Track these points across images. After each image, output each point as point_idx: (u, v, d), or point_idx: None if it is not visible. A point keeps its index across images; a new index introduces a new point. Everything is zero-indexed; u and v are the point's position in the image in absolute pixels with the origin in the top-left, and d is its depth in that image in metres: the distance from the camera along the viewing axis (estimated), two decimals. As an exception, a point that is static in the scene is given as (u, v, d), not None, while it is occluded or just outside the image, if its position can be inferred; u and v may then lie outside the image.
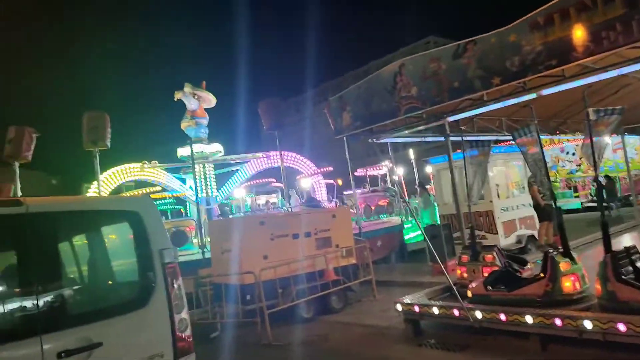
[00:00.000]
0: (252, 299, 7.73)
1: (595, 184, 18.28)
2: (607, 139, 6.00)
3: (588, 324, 4.97)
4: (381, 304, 8.76)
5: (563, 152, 24.90)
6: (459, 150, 8.61)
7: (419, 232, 14.01)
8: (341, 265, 8.93)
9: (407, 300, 6.97)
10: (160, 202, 20.85)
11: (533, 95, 6.07)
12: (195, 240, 14.28)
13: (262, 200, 21.33)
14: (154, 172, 16.98)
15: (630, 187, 16.68)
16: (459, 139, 7.36)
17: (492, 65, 5.35)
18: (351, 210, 12.02)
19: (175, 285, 3.35)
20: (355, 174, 15.87)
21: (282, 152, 13.94)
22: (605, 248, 5.40)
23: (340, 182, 22.61)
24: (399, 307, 6.94)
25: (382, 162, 20.07)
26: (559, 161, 24.71)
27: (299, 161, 18.47)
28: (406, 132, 7.85)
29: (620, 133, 13.22)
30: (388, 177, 20.07)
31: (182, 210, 22.61)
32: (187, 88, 16.55)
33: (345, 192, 21.05)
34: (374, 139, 7.70)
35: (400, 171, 20.31)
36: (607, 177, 18.66)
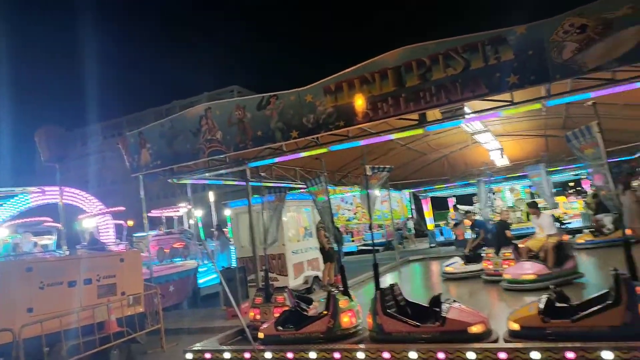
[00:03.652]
0: (8, 363, 6.34)
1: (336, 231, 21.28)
2: (377, 192, 7.12)
3: (361, 355, 5.59)
4: (169, 355, 8.24)
5: (343, 201, 28.33)
6: (256, 195, 8.97)
7: (214, 275, 13.84)
8: (126, 314, 8.11)
9: (197, 347, 6.72)
10: None
11: (324, 150, 6.85)
12: None
13: (27, 242, 17.94)
14: None
15: (393, 233, 19.89)
16: (259, 184, 7.70)
17: (291, 119, 5.88)
18: (143, 253, 11.14)
19: None
20: (150, 214, 14.91)
21: (63, 188, 12.24)
22: (376, 286, 6.25)
23: (131, 223, 20.83)
24: (189, 355, 6.62)
25: (179, 204, 19.36)
26: (339, 209, 27.95)
27: (82, 199, 16.41)
28: (207, 174, 7.83)
29: (386, 188, 15.73)
30: (185, 219, 19.41)
31: None
32: None
33: (136, 234, 19.45)
34: (175, 179, 7.46)
35: (198, 213, 19.91)
36: (337, 229, 21.94)
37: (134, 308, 8.29)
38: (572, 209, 19.75)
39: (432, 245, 21.33)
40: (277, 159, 7.42)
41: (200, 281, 13.20)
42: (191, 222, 20.17)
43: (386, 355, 5.41)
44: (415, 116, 6.02)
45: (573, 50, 4.55)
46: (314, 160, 9.37)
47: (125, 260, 8.50)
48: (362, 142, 6.56)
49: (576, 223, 18.67)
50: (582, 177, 22.03)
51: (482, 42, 5.04)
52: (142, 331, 8.29)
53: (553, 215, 9.18)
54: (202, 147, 6.42)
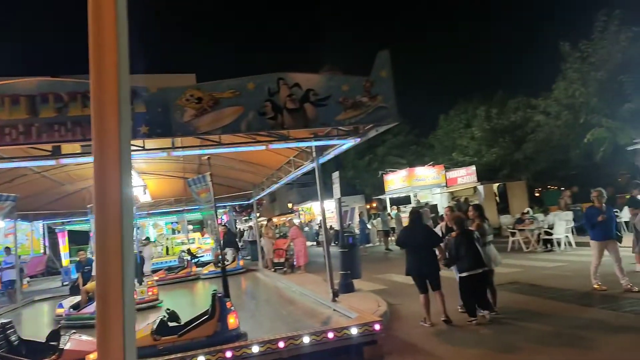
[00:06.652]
0: None
1: None
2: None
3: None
4: None
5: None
6: None
7: None
8: None
9: None
10: None
11: None
12: None
13: None
14: None
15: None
16: None
17: None
18: None
19: None
20: None
21: None
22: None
23: None
24: None
25: None
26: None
27: None
28: None
29: (13, 218, 13.84)
30: None
31: None
32: None
33: None
34: None
35: None
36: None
37: None
38: (206, 244, 22.36)
39: (65, 283, 19.66)
40: None
41: None
42: None
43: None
44: (48, 147, 6.00)
45: (191, 115, 5.77)
46: None
47: None
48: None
49: (207, 257, 21.22)
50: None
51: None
52: None
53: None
54: None
